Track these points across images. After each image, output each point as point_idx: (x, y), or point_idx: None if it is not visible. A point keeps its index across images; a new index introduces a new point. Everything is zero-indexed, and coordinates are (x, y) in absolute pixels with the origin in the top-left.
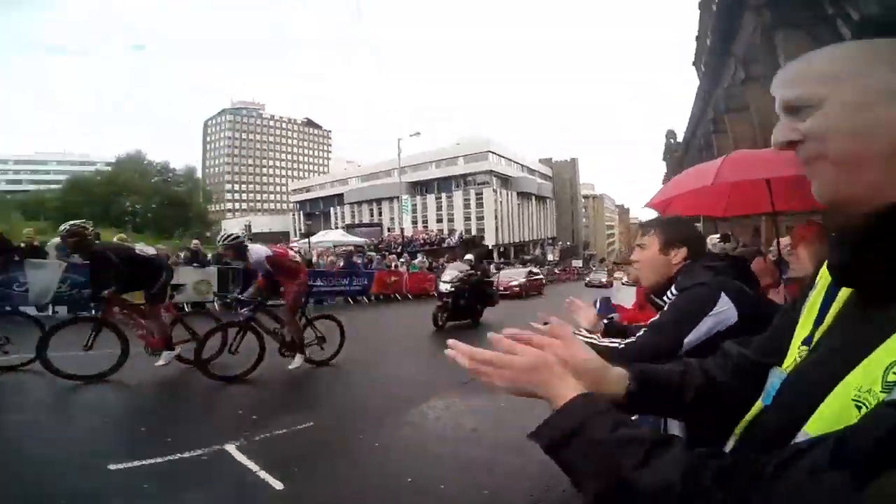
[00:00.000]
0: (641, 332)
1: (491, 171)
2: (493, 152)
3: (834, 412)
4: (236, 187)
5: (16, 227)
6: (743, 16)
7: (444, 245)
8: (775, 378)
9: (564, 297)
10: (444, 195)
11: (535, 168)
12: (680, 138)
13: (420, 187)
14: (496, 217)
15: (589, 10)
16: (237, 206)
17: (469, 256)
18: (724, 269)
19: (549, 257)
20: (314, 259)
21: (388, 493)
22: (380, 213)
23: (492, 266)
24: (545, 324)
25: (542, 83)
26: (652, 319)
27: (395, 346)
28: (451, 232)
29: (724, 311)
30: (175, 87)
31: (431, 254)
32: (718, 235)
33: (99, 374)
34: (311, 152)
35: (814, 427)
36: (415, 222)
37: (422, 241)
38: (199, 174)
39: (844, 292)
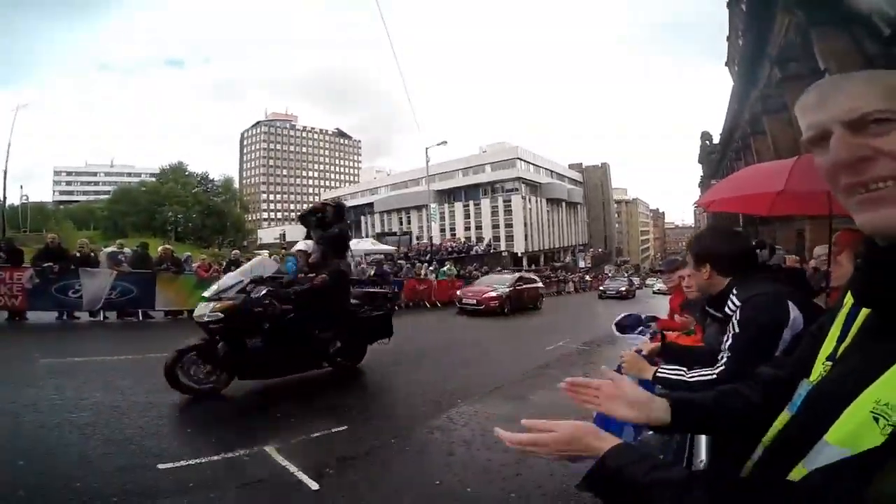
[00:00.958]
0: (726, 360)
1: (519, 177)
2: (521, 159)
3: (853, 424)
4: (271, 197)
5: (69, 235)
6: (774, 15)
7: (472, 253)
8: (802, 389)
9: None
10: (471, 203)
11: (564, 174)
12: (716, 140)
13: (448, 195)
14: (525, 224)
15: (618, 14)
16: (272, 215)
17: (305, 243)
18: (781, 277)
19: (581, 264)
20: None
21: (418, 496)
22: (409, 222)
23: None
24: None
25: (571, 87)
26: (730, 343)
27: (424, 352)
28: (479, 240)
29: (797, 320)
30: (213, 100)
31: (459, 262)
32: (754, 242)
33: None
34: (342, 162)
35: (833, 437)
36: (443, 230)
37: (449, 249)
38: (236, 184)
39: (865, 311)
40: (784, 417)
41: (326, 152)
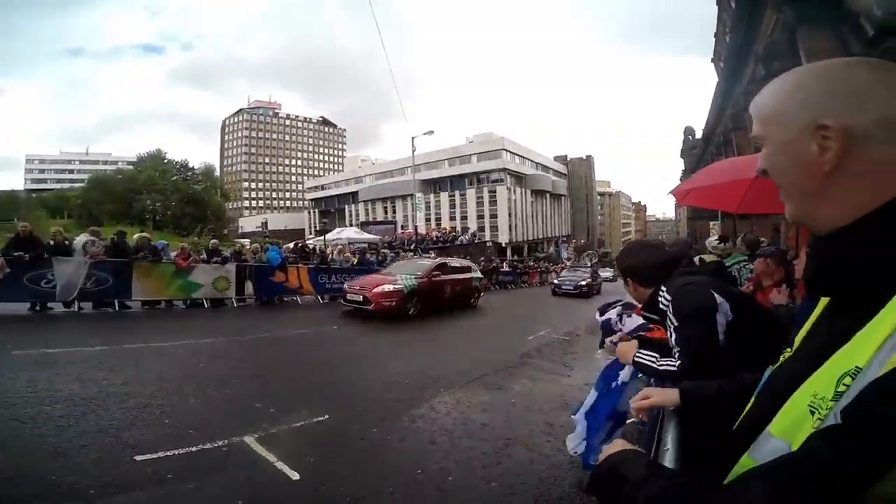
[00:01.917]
0: (678, 355)
1: (505, 168)
2: (507, 150)
3: (793, 415)
4: (253, 185)
5: (41, 224)
6: (763, 13)
7: (457, 242)
8: (765, 376)
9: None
10: (457, 193)
11: (549, 166)
12: (698, 135)
13: (434, 185)
14: (510, 215)
15: (606, 9)
16: (254, 203)
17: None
18: (699, 271)
19: (564, 255)
20: (330, 256)
21: (399, 485)
22: (394, 211)
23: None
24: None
25: (559, 80)
26: (675, 339)
27: (407, 342)
28: (465, 230)
29: (724, 307)
30: (194, 88)
31: (444, 251)
32: (717, 237)
33: None
34: (326, 150)
35: (775, 428)
36: (428, 220)
37: (434, 239)
38: (217, 172)
39: (823, 301)
40: (750, 403)
41: (311, 140)
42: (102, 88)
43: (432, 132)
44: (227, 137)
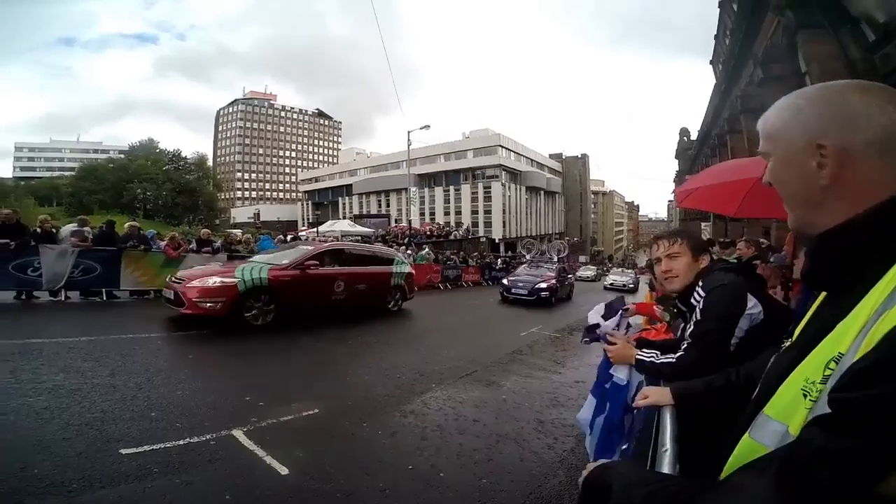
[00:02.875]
0: (686, 346)
1: (500, 164)
2: (502, 146)
3: (788, 398)
4: (246, 176)
5: (30, 212)
6: (764, 16)
7: (451, 238)
8: (769, 364)
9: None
10: (451, 188)
11: (544, 163)
12: (694, 136)
13: (429, 179)
14: (504, 211)
15: (608, 9)
16: (247, 194)
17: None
18: (739, 270)
19: (554, 253)
20: None
21: (390, 480)
22: (388, 205)
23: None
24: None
25: (555, 78)
26: (691, 330)
27: (398, 336)
28: (458, 225)
29: (754, 309)
30: (188, 78)
31: (437, 246)
32: (718, 244)
33: None
34: (320, 142)
35: (772, 409)
36: (422, 214)
37: (428, 233)
38: (209, 162)
39: (822, 296)
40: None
41: (305, 132)
42: (95, 78)
43: (428, 127)
44: (221, 128)
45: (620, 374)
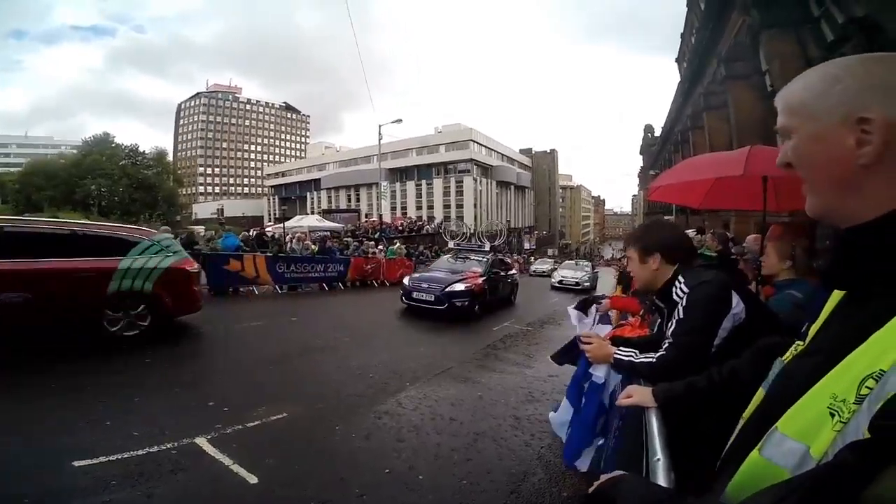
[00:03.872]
0: (667, 346)
1: (472, 159)
2: (474, 141)
3: (810, 416)
4: (209, 171)
5: None
6: (730, 15)
7: (423, 232)
8: (775, 368)
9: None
10: (423, 182)
11: (515, 158)
12: (658, 133)
13: (400, 174)
14: (475, 205)
15: (574, 6)
16: (210, 189)
17: None
18: (720, 265)
19: (526, 245)
20: (289, 245)
21: (367, 485)
22: (358, 199)
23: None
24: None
25: (525, 75)
26: (672, 329)
27: (370, 333)
28: (430, 219)
29: (737, 308)
30: (146, 72)
31: (409, 240)
32: (695, 229)
33: None
34: (288, 136)
35: (789, 427)
36: (394, 209)
37: (399, 228)
38: (170, 157)
39: (837, 293)
40: (759, 395)
41: (272, 126)
42: (47, 72)
43: (400, 121)
44: (182, 122)
45: (598, 372)
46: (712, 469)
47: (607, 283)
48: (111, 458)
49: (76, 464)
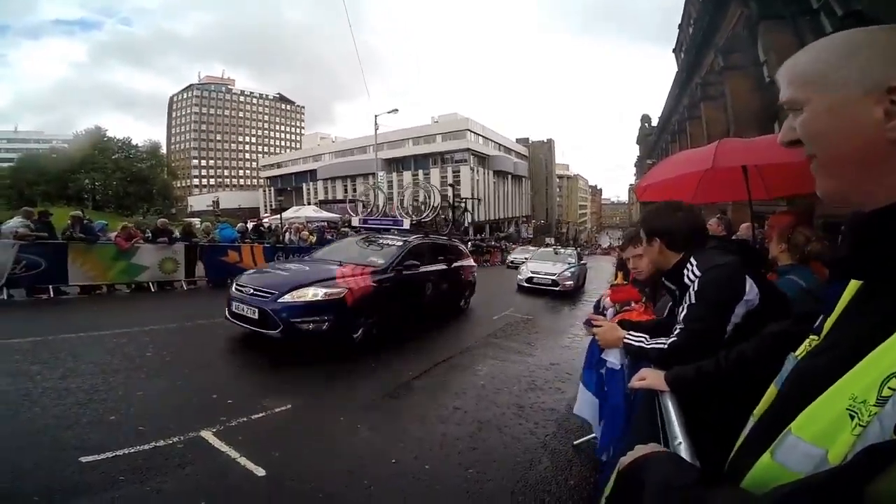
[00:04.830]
0: (679, 332)
1: (469, 149)
2: (471, 131)
3: (827, 418)
4: (204, 163)
5: None
6: (728, 7)
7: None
8: (789, 364)
9: None
10: (420, 172)
11: (512, 147)
12: (655, 123)
13: (396, 164)
14: (473, 195)
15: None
16: (205, 181)
17: None
18: (736, 249)
19: (523, 234)
20: (287, 236)
21: (374, 477)
22: (354, 190)
23: None
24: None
25: (523, 64)
26: (684, 314)
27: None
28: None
29: (751, 294)
30: (136, 65)
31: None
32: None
33: None
34: (283, 128)
35: (805, 431)
36: (390, 199)
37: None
38: (163, 150)
39: (854, 284)
40: (771, 393)
41: (266, 117)
42: (33, 66)
43: (397, 111)
44: (175, 115)
45: (613, 358)
46: (716, 461)
47: (602, 276)
48: (118, 453)
49: (83, 459)
